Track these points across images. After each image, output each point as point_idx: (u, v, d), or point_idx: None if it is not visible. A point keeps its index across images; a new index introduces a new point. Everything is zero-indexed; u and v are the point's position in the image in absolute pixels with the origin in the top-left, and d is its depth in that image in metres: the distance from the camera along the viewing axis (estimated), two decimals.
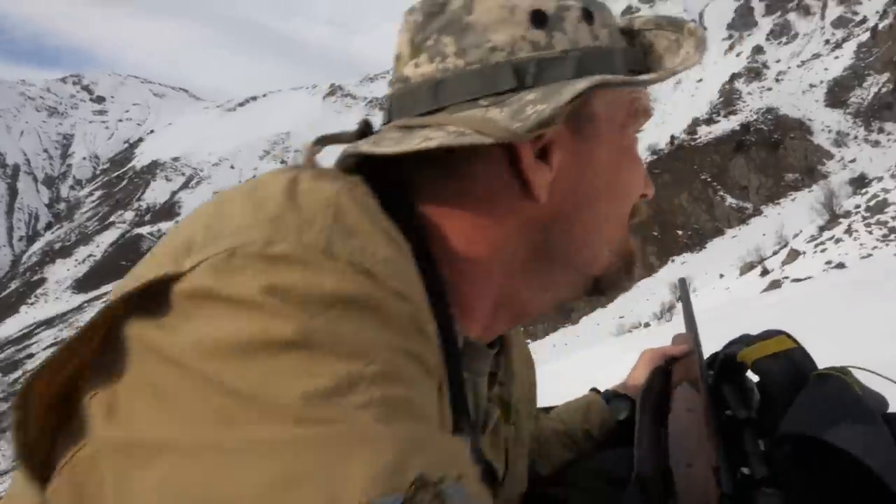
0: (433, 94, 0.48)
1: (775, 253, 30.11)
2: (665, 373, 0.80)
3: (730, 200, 57.88)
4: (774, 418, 0.65)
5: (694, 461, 0.61)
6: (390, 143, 0.46)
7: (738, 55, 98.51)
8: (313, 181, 0.39)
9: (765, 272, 24.17)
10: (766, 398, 0.71)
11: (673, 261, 48.93)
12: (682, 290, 1.00)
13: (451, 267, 0.47)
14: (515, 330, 0.62)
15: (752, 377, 0.75)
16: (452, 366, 0.42)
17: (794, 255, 24.39)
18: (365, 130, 0.51)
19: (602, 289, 0.54)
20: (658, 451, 0.64)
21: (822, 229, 27.43)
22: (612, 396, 0.87)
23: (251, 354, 0.31)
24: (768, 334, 0.76)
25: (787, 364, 0.70)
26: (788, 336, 0.74)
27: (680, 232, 57.21)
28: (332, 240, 0.36)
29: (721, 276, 34.57)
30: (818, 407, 0.62)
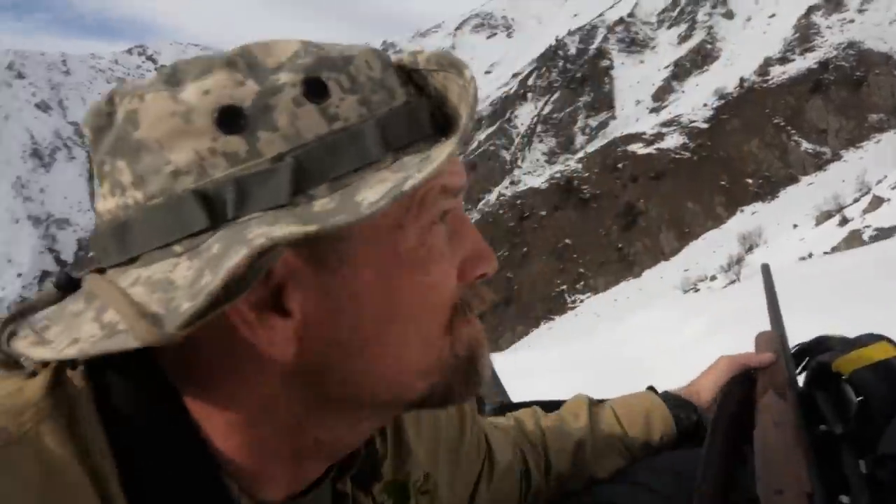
0: (119, 240, 0.37)
1: (856, 201, 28.60)
2: (747, 380, 0.73)
3: (805, 145, 54.70)
4: (874, 435, 0.58)
5: (784, 487, 0.54)
6: (57, 329, 0.38)
7: None
8: None
9: (844, 221, 23.09)
10: (864, 413, 0.64)
11: (742, 211, 47.12)
12: (766, 279, 0.90)
13: (221, 446, 0.40)
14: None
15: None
16: None
17: (877, 202, 23.11)
18: (60, 283, 0.41)
19: (432, 406, 0.45)
20: (737, 486, 0.57)
21: None
22: (674, 402, 0.79)
23: None
24: (867, 339, 0.69)
25: (890, 375, 0.63)
26: (890, 342, 0.68)
27: (750, 181, 54.75)
28: None
29: (795, 226, 33.17)
30: None
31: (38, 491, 0.33)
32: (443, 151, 0.37)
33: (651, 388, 0.82)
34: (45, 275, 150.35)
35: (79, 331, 0.36)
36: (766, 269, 0.92)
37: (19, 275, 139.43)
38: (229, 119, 0.35)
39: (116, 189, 0.37)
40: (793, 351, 0.75)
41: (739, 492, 0.56)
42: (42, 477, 0.34)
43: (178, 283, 0.34)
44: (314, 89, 0.36)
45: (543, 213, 57.29)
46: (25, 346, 0.37)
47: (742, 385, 0.71)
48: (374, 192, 0.35)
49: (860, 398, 0.64)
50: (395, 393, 0.42)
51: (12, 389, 0.37)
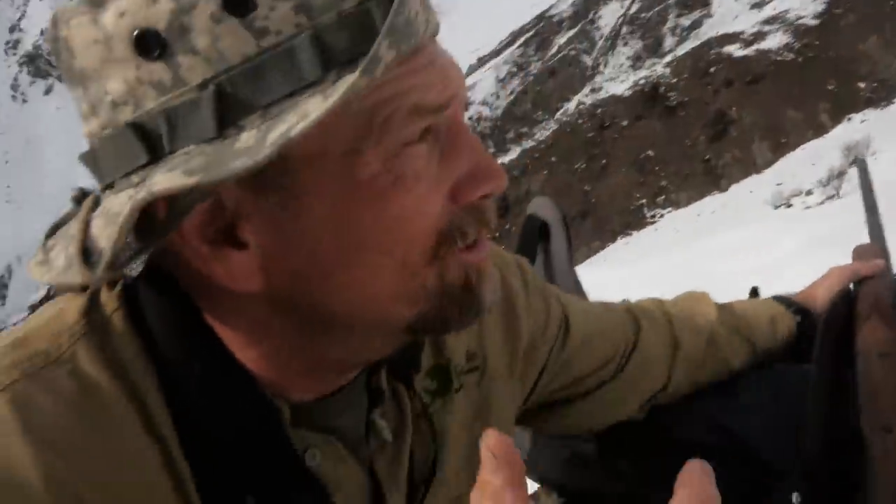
0: (94, 167, 0.38)
1: None
2: (850, 299, 0.68)
3: None
4: None
5: (893, 425, 0.51)
6: (55, 253, 0.39)
7: None
8: None
9: None
10: None
11: (850, 119, 42.90)
12: (863, 178, 0.82)
13: (242, 357, 0.42)
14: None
15: None
16: (283, 459, 0.41)
17: None
18: (78, 198, 0.42)
19: (434, 333, 0.46)
20: (840, 417, 0.54)
21: None
22: (795, 308, 0.77)
23: None
24: None
25: None
26: None
27: (862, 84, 49.22)
28: None
29: None
30: None
31: (76, 408, 0.36)
32: (371, 71, 0.33)
33: (776, 298, 0.80)
34: None
35: (56, 259, 0.37)
36: (862, 166, 0.83)
37: None
38: (146, 44, 0.33)
39: (83, 117, 0.37)
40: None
41: (841, 422, 0.53)
42: (79, 394, 0.36)
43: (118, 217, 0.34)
44: (236, 0, 0.33)
45: (625, 122, 54.68)
46: (33, 265, 0.38)
47: (847, 303, 0.67)
48: (278, 132, 0.32)
49: None
50: (376, 318, 0.41)
51: (55, 313, 0.39)
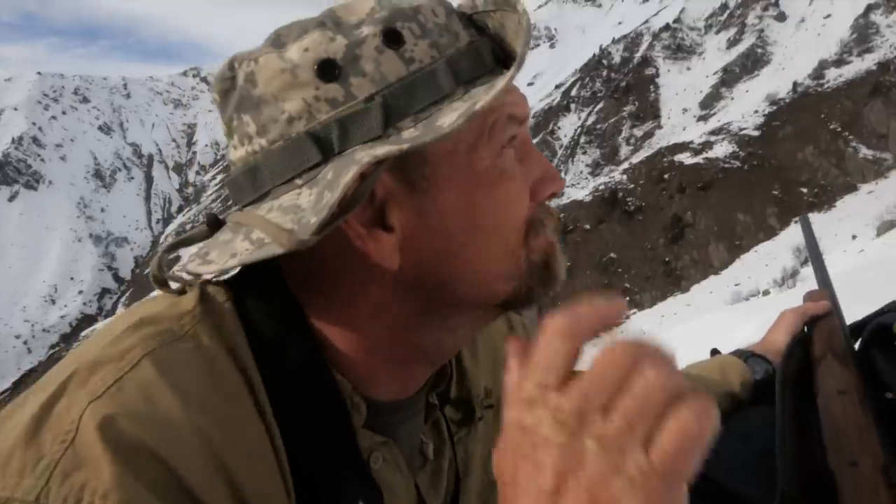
0: (252, 180, 0.46)
1: None
2: (806, 341, 0.71)
3: (864, 152, 51.97)
4: None
5: (858, 459, 0.53)
6: (216, 252, 0.46)
7: None
8: (76, 391, 0.40)
9: None
10: None
11: (796, 222, 45.10)
12: (806, 230, 0.86)
13: (341, 348, 0.48)
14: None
15: None
16: (346, 450, 0.46)
17: None
18: (210, 222, 0.49)
19: (515, 307, 0.51)
20: (807, 454, 0.56)
21: None
22: (748, 356, 0.81)
23: None
24: None
25: None
26: None
27: (804, 190, 52.35)
28: (49, 486, 0.36)
29: (854, 237, 31.44)
30: None
31: (204, 374, 0.42)
32: (504, 79, 0.44)
33: (715, 350, 0.85)
34: (104, 292, 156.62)
35: (234, 249, 0.44)
36: (805, 221, 0.88)
37: (80, 292, 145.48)
38: (327, 70, 0.43)
39: (244, 139, 0.46)
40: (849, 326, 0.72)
41: (809, 460, 0.55)
42: (204, 364, 0.43)
43: (304, 205, 0.43)
44: (392, 38, 0.44)
45: (587, 226, 56.25)
46: (194, 266, 0.46)
47: (802, 345, 0.70)
48: (449, 117, 0.43)
49: None
50: (484, 294, 0.48)
51: (170, 303, 0.47)
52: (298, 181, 0.44)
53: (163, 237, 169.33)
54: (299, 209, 0.43)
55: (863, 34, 69.64)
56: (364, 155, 0.41)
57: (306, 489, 0.44)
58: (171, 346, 0.43)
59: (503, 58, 0.48)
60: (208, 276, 0.47)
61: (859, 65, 60.39)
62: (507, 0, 0.47)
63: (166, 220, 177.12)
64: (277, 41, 0.45)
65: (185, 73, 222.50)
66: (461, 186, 0.46)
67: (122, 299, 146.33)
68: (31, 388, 0.42)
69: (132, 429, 0.38)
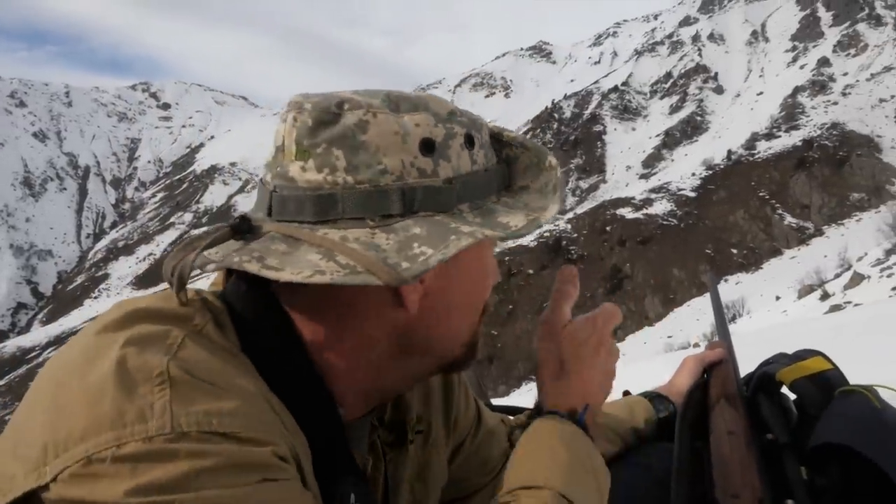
0: (320, 205, 0.50)
1: (837, 276, 28.72)
2: (704, 386, 0.81)
3: (789, 219, 55.55)
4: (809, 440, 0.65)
5: (739, 492, 0.60)
6: (276, 260, 0.49)
7: (801, 67, 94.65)
8: (139, 355, 0.43)
9: (825, 296, 23.05)
10: (803, 418, 0.71)
11: (726, 280, 47.25)
12: (712, 288, 0.95)
13: (327, 369, 0.53)
14: None
15: (789, 395, 0.75)
16: (339, 447, 0.52)
17: (857, 279, 23.19)
18: (241, 227, 0.52)
19: (451, 370, 0.61)
20: (698, 485, 0.63)
21: (889, 253, 26.00)
22: (653, 396, 0.91)
23: None
24: (804, 354, 0.77)
25: (824, 385, 0.71)
26: (824, 357, 0.75)
27: (734, 251, 55.22)
28: (176, 418, 0.40)
29: (778, 298, 33.15)
30: (840, 419, 0.64)
31: (230, 362, 0.47)
32: (555, 206, 0.56)
33: (626, 392, 0.96)
34: (20, 306, 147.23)
35: (313, 265, 0.48)
36: (711, 279, 0.99)
37: None
38: (428, 146, 0.52)
39: (326, 168, 0.50)
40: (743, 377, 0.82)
41: (699, 492, 0.63)
42: (226, 357, 0.48)
43: (384, 246, 0.49)
44: (469, 140, 0.54)
45: (531, 271, 57.13)
46: (256, 268, 0.49)
47: (702, 389, 0.81)
48: (514, 218, 0.54)
49: (799, 408, 0.72)
50: (448, 353, 0.58)
51: (175, 306, 0.51)
52: (370, 222, 0.50)
53: (92, 253, 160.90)
54: (379, 248, 0.49)
55: (790, 113, 75.31)
56: (473, 230, 0.51)
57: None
58: (197, 335, 0.48)
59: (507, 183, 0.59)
60: (275, 277, 0.49)
61: (787, 140, 65.01)
62: (537, 149, 0.59)
63: (97, 236, 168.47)
64: (394, 105, 0.52)
65: (133, 87, 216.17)
66: (471, 269, 0.56)
67: (40, 315, 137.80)
68: (53, 379, 0.45)
69: (214, 377, 0.44)
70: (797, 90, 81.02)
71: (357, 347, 0.54)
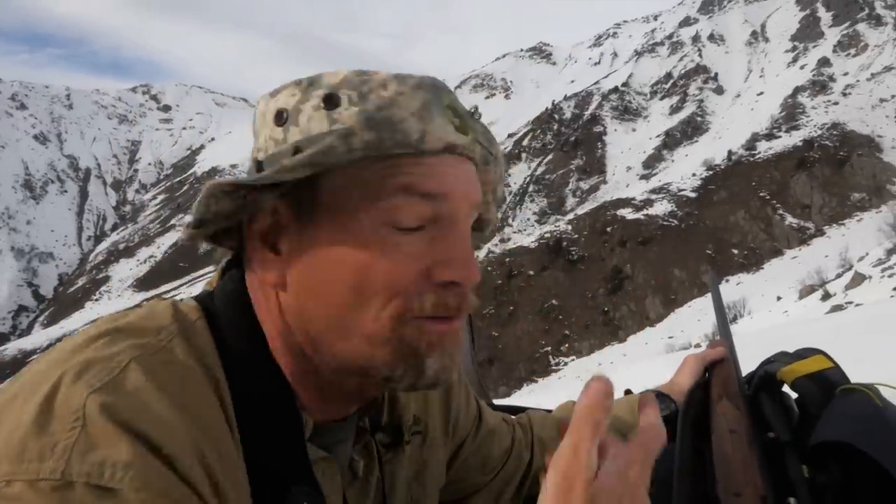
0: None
1: (838, 276, 28.68)
2: (706, 385, 0.81)
3: (790, 220, 55.51)
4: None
5: (741, 490, 0.60)
6: None
7: (801, 68, 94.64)
8: (70, 387, 0.43)
9: (826, 296, 23.02)
10: (804, 417, 0.72)
11: (727, 280, 47.21)
12: (713, 287, 0.95)
13: (285, 369, 0.53)
14: None
15: (791, 393, 0.76)
16: (296, 456, 0.51)
17: (858, 279, 23.17)
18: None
19: (390, 387, 0.53)
20: (699, 484, 0.63)
21: (890, 253, 25.97)
22: (655, 395, 0.90)
23: None
24: (805, 353, 0.77)
25: (825, 384, 0.71)
26: (825, 355, 0.76)
27: (735, 251, 55.13)
28: (70, 465, 0.39)
29: (779, 298, 33.11)
30: (841, 417, 0.65)
31: (179, 382, 0.47)
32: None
33: (628, 391, 0.95)
34: (21, 309, 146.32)
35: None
36: (712, 279, 0.98)
37: None
38: (278, 117, 0.51)
39: (258, 147, 0.55)
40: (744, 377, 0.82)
41: (701, 490, 0.63)
42: (183, 375, 0.48)
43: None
44: (330, 101, 0.50)
45: (531, 272, 57.12)
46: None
47: (703, 388, 0.81)
48: (290, 161, 0.50)
49: (800, 407, 0.73)
50: (346, 351, 0.51)
51: (145, 315, 0.51)
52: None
53: (93, 255, 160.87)
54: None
55: (791, 113, 75.27)
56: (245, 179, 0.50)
57: (258, 490, 0.49)
58: (153, 356, 0.47)
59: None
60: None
61: (787, 140, 64.97)
62: (478, 129, 0.54)
63: (98, 238, 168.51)
64: (274, 91, 0.54)
65: (134, 90, 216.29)
66: (339, 240, 0.50)
67: (41, 318, 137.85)
68: (10, 392, 0.45)
69: (133, 415, 0.42)
70: (797, 90, 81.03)
71: (280, 338, 0.53)
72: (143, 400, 0.44)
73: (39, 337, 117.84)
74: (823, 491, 0.63)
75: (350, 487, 0.59)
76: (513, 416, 0.85)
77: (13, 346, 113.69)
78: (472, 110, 0.54)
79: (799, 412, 0.74)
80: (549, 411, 0.92)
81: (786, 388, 0.77)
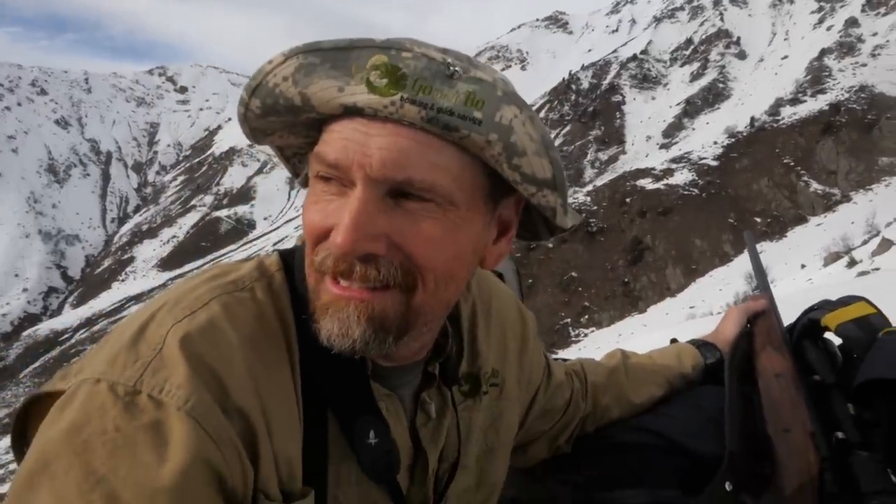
0: None
1: (865, 242, 28.12)
2: (749, 335, 0.86)
3: (815, 186, 54.30)
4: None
5: (791, 427, 0.65)
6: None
7: (828, 29, 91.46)
8: (162, 317, 0.53)
9: (852, 263, 22.62)
10: (847, 360, 0.75)
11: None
12: (750, 245, 1.01)
13: None
14: (485, 313, 0.73)
15: (833, 340, 0.79)
16: (361, 392, 0.59)
17: (886, 245, 22.69)
18: None
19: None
20: (749, 423, 0.68)
21: None
22: (699, 343, 0.96)
23: (35, 475, 0.46)
24: (848, 300, 0.80)
25: (868, 328, 0.74)
26: (868, 301, 0.79)
27: (758, 219, 54.22)
28: (142, 377, 0.49)
29: (803, 266, 32.60)
30: (885, 356, 0.67)
31: (255, 319, 0.55)
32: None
33: (674, 340, 1.01)
34: (50, 290, 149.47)
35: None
36: (749, 237, 1.05)
37: (25, 290, 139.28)
38: None
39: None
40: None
41: (750, 428, 0.68)
42: (256, 311, 0.56)
43: None
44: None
45: (550, 244, 56.91)
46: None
47: (747, 338, 0.86)
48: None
49: (844, 351, 0.76)
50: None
51: (234, 266, 0.60)
52: None
53: (117, 236, 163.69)
54: None
55: (816, 76, 73.07)
56: None
57: (315, 423, 0.56)
58: (234, 294, 0.55)
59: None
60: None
61: (812, 104, 63.21)
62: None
63: (122, 220, 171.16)
64: None
65: (150, 72, 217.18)
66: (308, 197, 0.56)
67: (70, 299, 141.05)
68: (134, 313, 0.55)
69: (201, 347, 0.51)
70: (823, 52, 78.46)
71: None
72: (213, 333, 0.52)
73: (70, 317, 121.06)
74: (870, 426, 0.65)
75: (423, 427, 0.65)
76: (567, 364, 0.89)
77: (45, 326, 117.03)
78: (452, 71, 0.50)
79: (842, 356, 0.77)
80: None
81: (828, 335, 0.80)
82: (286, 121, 0.54)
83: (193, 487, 0.46)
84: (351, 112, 0.51)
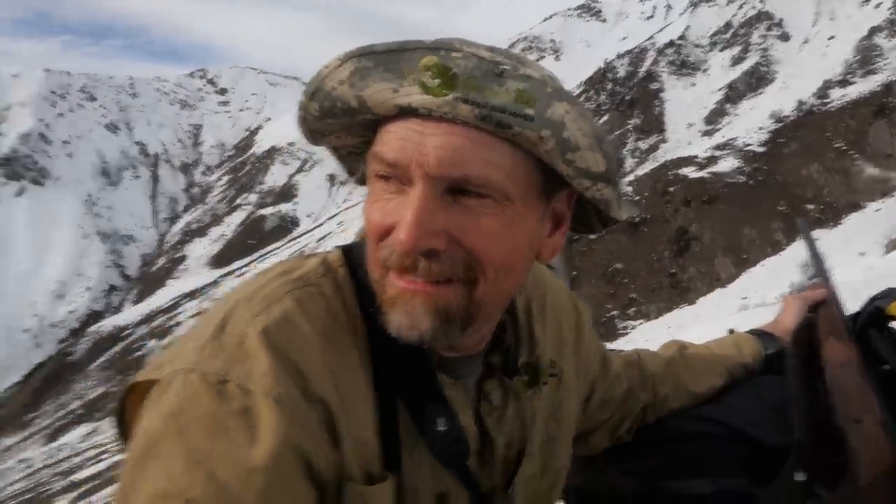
0: None
1: None
2: (810, 325, 0.85)
3: (870, 170, 52.96)
4: None
5: (861, 417, 0.64)
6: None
7: (877, 6, 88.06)
8: (241, 312, 0.57)
9: None
10: None
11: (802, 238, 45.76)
12: (805, 232, 1.02)
13: None
14: (540, 306, 0.74)
15: None
16: (428, 382, 0.61)
17: None
18: None
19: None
20: (816, 412, 0.67)
21: None
22: (760, 334, 0.96)
23: (139, 462, 0.50)
24: None
25: None
26: None
27: (811, 206, 53.09)
28: (229, 367, 0.53)
29: (862, 254, 32.28)
30: None
31: (326, 313, 0.58)
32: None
33: (731, 330, 1.00)
34: (112, 289, 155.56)
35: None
36: (803, 224, 1.07)
37: (88, 288, 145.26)
38: None
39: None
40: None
41: (817, 418, 0.66)
42: (326, 306, 0.59)
43: None
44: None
45: (592, 236, 56.76)
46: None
47: (808, 328, 0.85)
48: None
49: None
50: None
51: (301, 262, 0.63)
52: None
53: (169, 235, 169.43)
54: None
55: (866, 56, 70.77)
56: None
57: (387, 411, 0.58)
58: (304, 289, 0.59)
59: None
60: None
61: (863, 86, 61.38)
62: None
63: (172, 220, 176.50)
64: None
65: (191, 75, 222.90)
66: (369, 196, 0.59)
67: (129, 296, 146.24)
68: (213, 308, 0.59)
69: (279, 339, 0.54)
70: (873, 31, 75.76)
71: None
72: (290, 326, 0.55)
73: (131, 314, 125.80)
74: None
75: (489, 416, 0.66)
76: (623, 354, 0.90)
77: (108, 323, 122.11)
78: (501, 70, 0.51)
79: None
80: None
81: (894, 324, 0.80)
82: (343, 122, 0.56)
83: (284, 469, 0.49)
84: (406, 112, 0.52)
